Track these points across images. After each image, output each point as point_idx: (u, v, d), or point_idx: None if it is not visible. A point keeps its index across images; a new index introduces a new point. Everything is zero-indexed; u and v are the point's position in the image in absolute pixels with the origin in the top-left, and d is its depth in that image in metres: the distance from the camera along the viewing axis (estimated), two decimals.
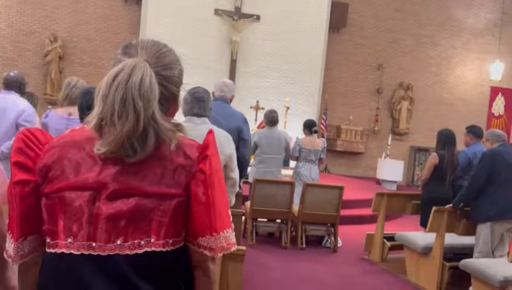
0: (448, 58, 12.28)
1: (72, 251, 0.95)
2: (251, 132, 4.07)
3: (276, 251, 5.18)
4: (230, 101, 3.79)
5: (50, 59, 10.17)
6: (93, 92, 1.02)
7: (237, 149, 3.06)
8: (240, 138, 3.51)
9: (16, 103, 3.47)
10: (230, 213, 1.07)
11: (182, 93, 1.10)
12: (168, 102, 1.05)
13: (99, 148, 0.97)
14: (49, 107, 8.88)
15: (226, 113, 3.52)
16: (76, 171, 0.98)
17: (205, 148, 1.03)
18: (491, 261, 3.79)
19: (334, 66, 11.57)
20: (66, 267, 0.96)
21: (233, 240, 1.04)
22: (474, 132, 5.05)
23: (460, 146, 4.99)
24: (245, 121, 3.71)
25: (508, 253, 3.65)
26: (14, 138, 1.07)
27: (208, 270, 1.07)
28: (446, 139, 4.75)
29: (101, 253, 0.95)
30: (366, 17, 11.80)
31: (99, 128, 0.98)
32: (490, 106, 12.52)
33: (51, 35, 10.21)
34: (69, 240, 0.96)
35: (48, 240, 0.99)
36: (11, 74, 3.62)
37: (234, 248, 1.03)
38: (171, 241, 0.99)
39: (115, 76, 0.96)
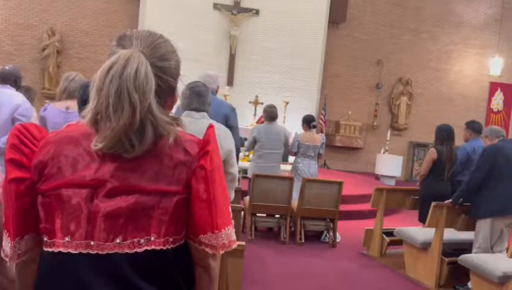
0: (447, 54, 12.26)
1: (70, 250, 0.93)
2: (250, 127, 4.07)
3: (275, 246, 5.18)
4: (216, 92, 3.84)
5: (48, 53, 10.12)
6: None
7: None
8: (228, 126, 3.53)
9: (12, 97, 3.44)
10: (230, 210, 1.05)
11: (179, 85, 1.07)
12: (165, 94, 1.01)
13: (96, 144, 0.94)
14: (46, 101, 8.83)
15: (213, 103, 3.55)
16: (73, 168, 0.96)
17: (206, 144, 1.01)
18: (490, 257, 3.79)
19: (334, 61, 11.54)
20: (64, 267, 0.94)
21: (234, 237, 1.02)
22: (473, 127, 5.05)
23: (459, 141, 4.98)
24: (233, 109, 3.76)
25: (507, 248, 3.65)
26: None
27: (208, 268, 1.06)
28: (445, 134, 4.73)
29: (99, 252, 0.93)
30: (366, 12, 11.75)
31: (95, 122, 0.94)
32: (489, 101, 12.52)
33: (49, 29, 10.15)
34: (67, 239, 0.93)
35: (45, 238, 0.96)
36: (7, 67, 3.59)
37: (235, 245, 1.02)
38: (171, 239, 0.97)
39: (109, 68, 0.92)
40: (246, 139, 6.02)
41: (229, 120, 3.58)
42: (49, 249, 0.95)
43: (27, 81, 7.86)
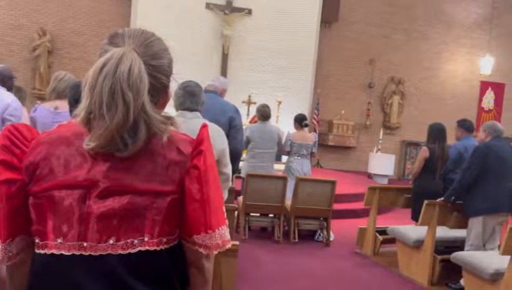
0: (439, 53, 12.34)
1: (63, 252, 0.92)
2: (243, 127, 4.09)
3: (269, 245, 5.18)
4: (222, 95, 3.82)
5: (39, 53, 10.03)
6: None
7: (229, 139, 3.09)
8: (231, 126, 3.52)
9: (1, 97, 3.39)
10: (224, 209, 1.04)
11: (172, 84, 1.06)
12: (158, 93, 1.00)
13: (89, 143, 0.92)
14: (38, 102, 8.75)
15: (218, 103, 3.53)
16: (65, 169, 0.94)
17: (199, 143, 1.00)
18: (482, 254, 3.82)
19: (326, 61, 11.58)
20: (57, 269, 0.93)
21: (228, 237, 1.02)
22: (465, 126, 5.08)
23: (450, 140, 5.02)
24: (237, 111, 3.76)
25: (499, 246, 3.68)
26: None
27: (203, 268, 1.05)
28: (437, 133, 4.77)
29: (92, 253, 0.92)
30: (358, 12, 11.80)
31: (88, 122, 0.93)
32: (480, 100, 12.63)
33: (40, 29, 10.07)
34: (59, 241, 0.92)
35: (37, 240, 0.95)
36: None
37: (229, 245, 1.01)
38: (165, 239, 0.96)
39: (102, 66, 0.91)
40: None
41: (233, 121, 3.59)
42: (41, 251, 0.94)
43: (18, 81, 7.77)
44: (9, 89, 3.53)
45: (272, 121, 5.93)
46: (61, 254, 0.92)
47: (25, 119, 3.44)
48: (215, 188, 1.00)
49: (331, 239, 5.47)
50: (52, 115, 3.05)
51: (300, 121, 5.64)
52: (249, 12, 10.73)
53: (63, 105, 2.86)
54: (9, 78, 3.54)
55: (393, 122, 12.06)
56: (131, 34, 1.00)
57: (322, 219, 5.41)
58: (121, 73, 0.91)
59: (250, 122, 8.71)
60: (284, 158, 5.92)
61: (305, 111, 9.87)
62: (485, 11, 12.35)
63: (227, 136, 2.89)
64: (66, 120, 1.27)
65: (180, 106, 2.71)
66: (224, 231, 1.00)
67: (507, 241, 3.26)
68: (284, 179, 5.28)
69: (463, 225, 4.26)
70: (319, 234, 5.54)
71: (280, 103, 9.69)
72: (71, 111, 2.42)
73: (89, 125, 0.93)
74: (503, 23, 12.38)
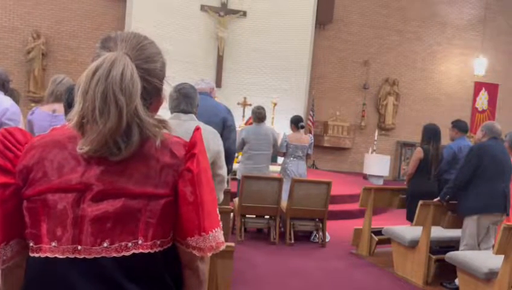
0: (432, 54, 12.42)
1: (57, 255, 0.92)
2: (238, 128, 4.08)
3: (265, 246, 5.19)
4: (211, 93, 3.82)
5: (33, 56, 9.98)
6: None
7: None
8: (225, 126, 3.51)
9: (0, 101, 3.38)
10: (218, 212, 1.05)
11: (165, 87, 1.07)
12: (151, 96, 1.01)
13: (82, 147, 0.93)
14: (32, 104, 8.72)
15: (209, 104, 3.53)
16: (58, 173, 0.95)
17: (192, 146, 1.01)
18: (476, 254, 3.85)
19: (321, 62, 11.61)
20: (51, 272, 0.93)
21: (222, 239, 1.03)
22: (459, 126, 5.12)
23: (445, 140, 5.05)
24: (229, 112, 3.75)
25: (494, 246, 3.70)
26: None
27: (197, 270, 1.06)
28: (431, 133, 4.80)
29: (87, 256, 0.92)
30: (352, 13, 11.86)
31: (81, 126, 0.93)
32: (474, 100, 12.72)
33: (34, 32, 10.02)
34: (53, 244, 0.93)
35: (31, 244, 0.95)
36: None
37: (223, 247, 1.02)
38: (159, 242, 0.96)
39: (95, 71, 0.92)
40: None
41: (226, 122, 3.58)
42: (36, 255, 0.94)
43: (12, 84, 7.74)
44: (5, 92, 3.52)
45: (267, 122, 5.95)
46: (56, 257, 0.92)
47: (21, 124, 3.43)
48: (208, 190, 1.00)
49: (327, 240, 5.49)
50: (50, 118, 3.05)
51: (296, 123, 5.66)
52: (244, 14, 10.75)
53: (61, 108, 2.85)
54: (7, 81, 3.53)
55: (388, 123, 12.12)
56: (124, 38, 1.00)
57: (317, 220, 5.43)
58: (113, 78, 0.91)
59: (246, 123, 8.72)
60: (280, 160, 5.93)
61: (300, 112, 9.90)
62: (478, 12, 12.44)
63: (221, 136, 2.89)
64: (62, 123, 1.27)
65: (175, 108, 2.71)
66: (218, 233, 1.01)
67: (501, 240, 3.29)
68: (279, 180, 5.29)
69: (458, 225, 4.28)
70: (315, 235, 5.56)
71: (275, 104, 9.72)
72: (66, 115, 2.42)
73: (82, 129, 0.94)
74: (496, 24, 12.48)
